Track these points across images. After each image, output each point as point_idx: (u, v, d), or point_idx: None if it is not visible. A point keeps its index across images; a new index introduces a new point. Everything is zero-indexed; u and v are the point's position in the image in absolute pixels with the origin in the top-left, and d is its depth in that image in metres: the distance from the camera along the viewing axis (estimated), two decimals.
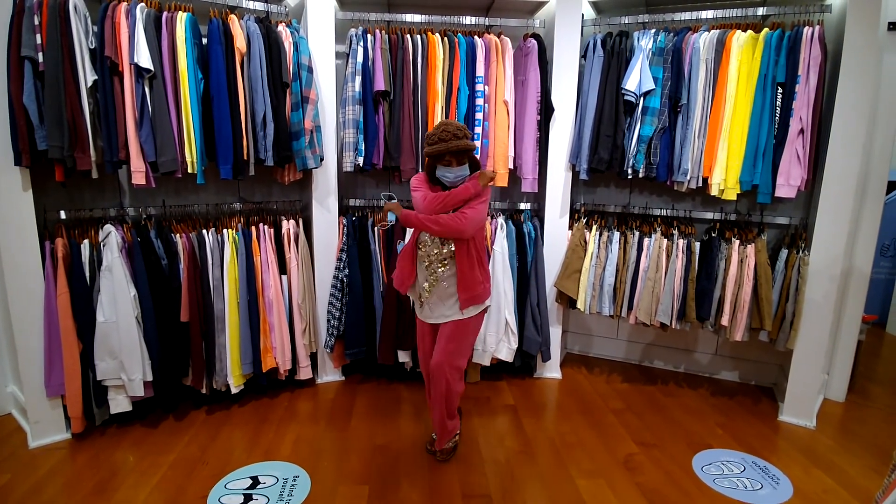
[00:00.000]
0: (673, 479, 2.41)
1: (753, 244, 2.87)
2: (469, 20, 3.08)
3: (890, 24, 2.86)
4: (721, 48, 2.79)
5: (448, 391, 2.34)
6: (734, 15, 2.88)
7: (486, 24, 3.13)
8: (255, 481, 2.32)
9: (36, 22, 2.26)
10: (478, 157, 2.53)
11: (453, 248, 2.27)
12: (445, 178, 2.23)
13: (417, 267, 2.36)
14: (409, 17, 3.02)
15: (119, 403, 2.64)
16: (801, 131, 2.68)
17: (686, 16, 2.95)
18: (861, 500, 2.28)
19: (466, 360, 2.43)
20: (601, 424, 2.88)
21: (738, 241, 2.92)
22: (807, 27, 2.66)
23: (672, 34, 2.90)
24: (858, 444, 2.74)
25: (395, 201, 2.31)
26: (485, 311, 2.40)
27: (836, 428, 2.91)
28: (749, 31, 2.77)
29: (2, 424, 2.79)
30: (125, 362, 2.55)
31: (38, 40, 2.26)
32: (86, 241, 2.56)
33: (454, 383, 2.35)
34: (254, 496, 2.22)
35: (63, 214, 2.58)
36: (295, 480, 2.33)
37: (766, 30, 2.74)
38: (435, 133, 2.16)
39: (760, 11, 2.86)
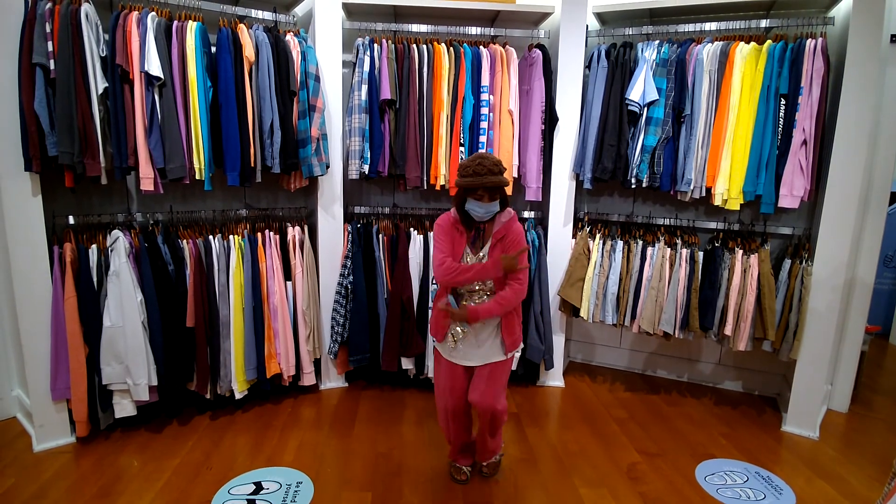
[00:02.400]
0: (676, 489, 2.41)
1: (757, 254, 2.88)
2: (474, 30, 3.12)
3: (892, 36, 2.88)
4: (725, 59, 2.82)
5: (496, 421, 2.31)
6: (737, 27, 2.91)
7: (492, 34, 3.17)
8: (259, 486, 2.33)
9: (48, 29, 2.29)
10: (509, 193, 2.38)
11: (491, 288, 2.20)
12: (475, 212, 2.12)
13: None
14: (416, 28, 3.06)
15: (124, 408, 2.65)
16: (804, 142, 2.70)
17: (690, 27, 2.99)
18: None
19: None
20: (604, 433, 2.88)
21: (741, 251, 2.93)
22: (810, 39, 2.68)
23: (676, 45, 2.93)
24: (861, 455, 2.73)
25: (457, 309, 2.18)
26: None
27: (839, 439, 2.91)
28: (752, 43, 2.79)
29: (6, 428, 2.80)
30: (131, 367, 2.56)
31: (50, 48, 2.29)
32: (94, 246, 2.58)
33: (502, 413, 2.31)
34: (257, 502, 2.23)
35: (71, 219, 2.61)
36: (298, 486, 2.34)
37: (769, 42, 2.77)
38: (470, 165, 2.07)
39: (764, 23, 2.89)
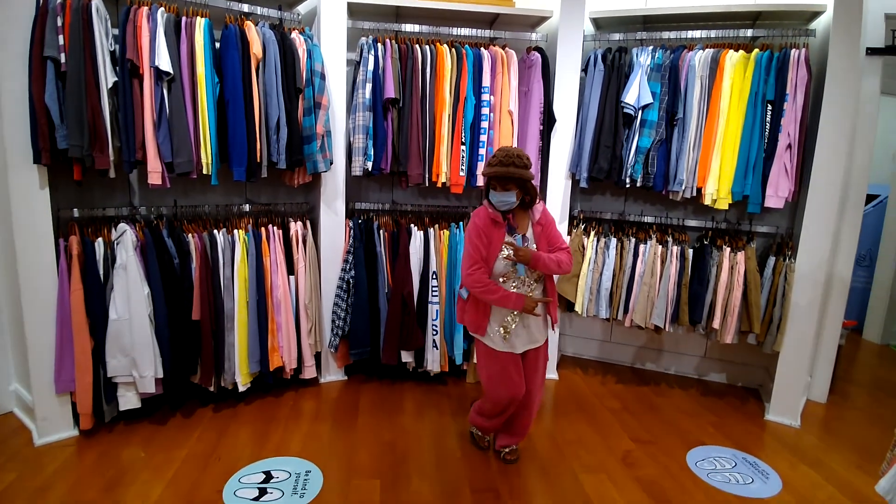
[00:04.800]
0: (670, 474, 2.53)
1: (743, 251, 3.03)
2: (475, 32, 3.20)
3: (868, 49, 3.06)
4: (715, 66, 2.96)
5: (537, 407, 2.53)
6: (726, 35, 3.05)
7: (491, 36, 3.25)
8: (269, 475, 2.37)
9: (59, 23, 2.29)
10: (536, 186, 2.43)
11: (538, 277, 2.31)
12: (493, 200, 2.25)
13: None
14: (417, 28, 3.13)
15: (128, 400, 2.66)
16: (789, 146, 2.85)
17: (681, 34, 3.12)
18: (846, 493, 2.43)
19: None
20: (599, 423, 2.99)
21: (728, 249, 3.07)
22: (794, 49, 2.84)
23: (669, 51, 3.06)
24: (840, 442, 2.90)
25: (522, 246, 2.26)
26: None
27: (819, 427, 3.08)
28: (741, 52, 2.94)
29: (3, 423, 2.78)
30: (137, 359, 2.58)
31: (61, 41, 2.30)
32: (100, 240, 2.59)
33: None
34: (268, 489, 2.28)
35: (76, 213, 2.61)
36: (307, 475, 2.39)
37: (756, 50, 2.92)
38: (497, 155, 2.21)
39: (749, 33, 3.04)
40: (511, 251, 2.23)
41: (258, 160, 2.78)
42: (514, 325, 2.31)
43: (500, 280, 2.29)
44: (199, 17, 2.62)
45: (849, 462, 2.70)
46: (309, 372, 3.18)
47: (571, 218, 3.48)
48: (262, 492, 2.27)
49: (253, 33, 2.72)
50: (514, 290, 2.28)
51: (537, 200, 2.35)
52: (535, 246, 2.30)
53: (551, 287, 2.39)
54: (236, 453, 2.55)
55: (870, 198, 4.53)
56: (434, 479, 2.41)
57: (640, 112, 3.04)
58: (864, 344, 4.61)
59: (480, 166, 3.14)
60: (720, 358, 3.62)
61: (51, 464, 2.43)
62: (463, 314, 2.44)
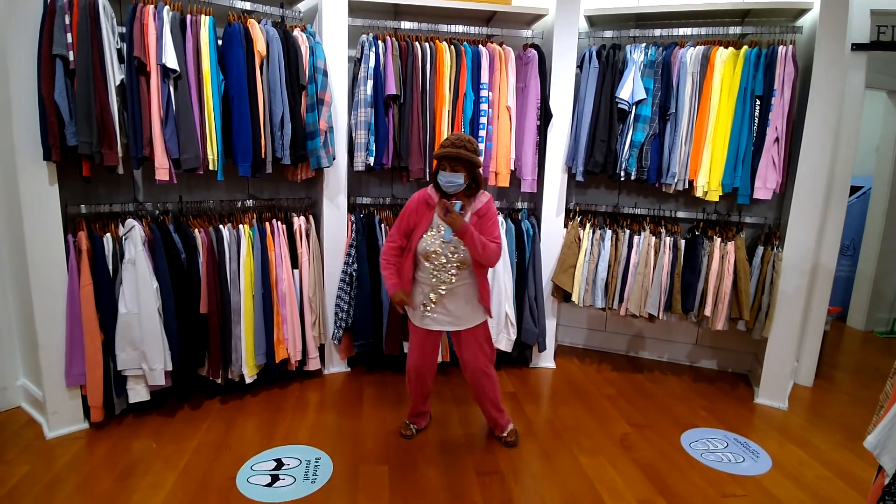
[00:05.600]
0: (665, 455, 2.64)
1: (733, 242, 3.14)
2: (471, 30, 3.26)
3: (854, 45, 3.18)
4: (706, 63, 3.06)
5: (492, 385, 2.57)
6: (716, 32, 3.15)
7: (488, 33, 3.32)
8: (280, 463, 2.44)
9: (66, 21, 2.32)
10: (482, 174, 2.48)
11: (463, 256, 2.37)
12: (441, 181, 2.32)
13: (416, 276, 2.46)
14: (415, 25, 3.18)
15: (138, 393, 2.71)
16: (777, 140, 2.96)
17: (673, 31, 3.21)
18: (832, 470, 2.56)
19: None
20: (596, 408, 3.10)
21: (719, 239, 3.18)
22: (782, 46, 2.94)
23: (661, 48, 3.16)
24: (826, 423, 3.03)
25: (458, 213, 2.32)
26: None
27: (806, 409, 3.21)
28: (731, 48, 3.04)
29: (12, 417, 2.81)
30: (147, 352, 2.63)
31: (69, 39, 2.33)
32: (108, 235, 2.63)
33: (493, 377, 2.58)
34: (280, 476, 2.35)
35: (83, 209, 2.65)
36: (317, 462, 2.46)
37: (745, 47, 3.02)
38: (450, 138, 2.32)
39: (738, 30, 3.14)
40: (444, 210, 2.28)
41: (263, 156, 2.83)
42: (432, 305, 2.43)
43: (422, 260, 2.41)
44: (203, 15, 2.66)
45: (834, 441, 2.83)
46: (313, 364, 3.24)
47: (568, 211, 3.57)
48: (275, 478, 2.33)
49: (257, 31, 2.76)
50: (434, 273, 2.39)
51: (481, 190, 2.42)
52: None
53: (482, 282, 2.44)
54: (246, 443, 2.61)
55: (854, 189, 4.67)
56: (440, 463, 2.50)
57: (634, 107, 3.14)
58: (848, 330, 4.77)
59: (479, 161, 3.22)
60: (711, 345, 3.74)
61: (63, 456, 2.47)
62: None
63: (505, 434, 2.67)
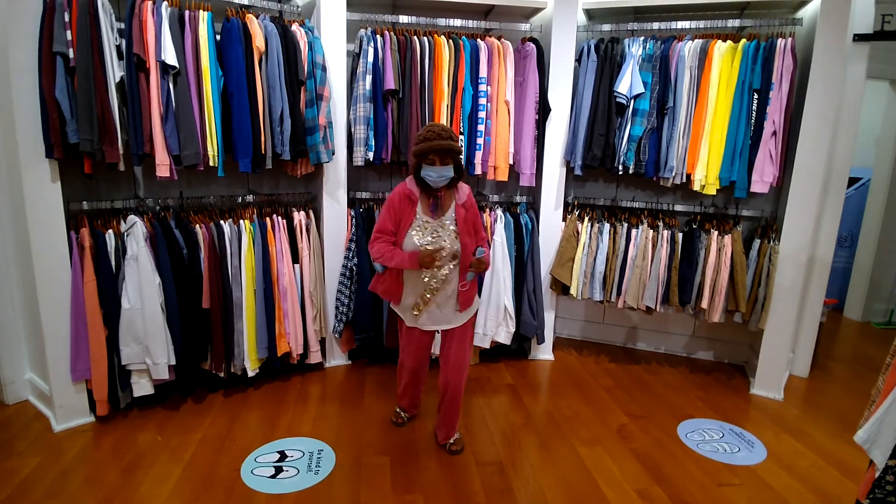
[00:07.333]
0: (662, 445, 2.69)
1: (730, 235, 3.17)
2: (470, 23, 3.26)
3: (855, 35, 3.17)
4: (704, 56, 3.06)
5: (465, 376, 2.53)
6: (715, 25, 3.15)
7: (486, 27, 3.32)
8: (283, 455, 2.49)
9: (66, 18, 2.33)
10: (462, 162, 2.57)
11: (457, 251, 2.35)
12: (429, 177, 2.25)
13: (405, 276, 2.41)
14: (413, 19, 3.18)
15: (142, 387, 2.75)
16: (774, 133, 2.97)
17: (671, 25, 3.21)
18: (827, 460, 2.61)
19: None
20: (594, 399, 3.14)
21: (716, 232, 3.21)
22: (780, 39, 2.94)
23: (659, 42, 3.16)
24: (822, 414, 3.07)
25: (483, 259, 2.37)
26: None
27: (801, 400, 3.25)
28: (729, 42, 3.04)
29: (21, 410, 2.86)
30: (150, 347, 2.66)
31: (69, 37, 2.33)
32: (110, 231, 2.65)
33: (468, 366, 2.57)
34: (284, 467, 2.39)
35: (85, 205, 2.67)
36: (320, 453, 2.51)
37: (743, 41, 3.02)
38: (421, 133, 2.25)
39: (737, 23, 3.14)
40: (474, 272, 2.36)
41: (262, 151, 2.84)
42: (427, 304, 2.40)
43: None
44: (201, 11, 2.66)
45: (829, 432, 2.88)
46: (315, 357, 3.28)
47: (566, 204, 3.59)
48: (279, 470, 2.38)
49: (256, 26, 2.77)
50: (425, 272, 2.35)
51: (461, 182, 2.40)
52: (454, 228, 2.35)
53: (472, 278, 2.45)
54: (250, 435, 2.66)
55: (853, 180, 4.69)
56: (441, 454, 2.55)
57: (633, 101, 3.14)
58: (844, 321, 4.81)
59: (478, 155, 3.24)
60: (707, 336, 3.78)
61: (71, 449, 2.52)
62: (377, 284, 2.51)
63: (451, 441, 2.58)
